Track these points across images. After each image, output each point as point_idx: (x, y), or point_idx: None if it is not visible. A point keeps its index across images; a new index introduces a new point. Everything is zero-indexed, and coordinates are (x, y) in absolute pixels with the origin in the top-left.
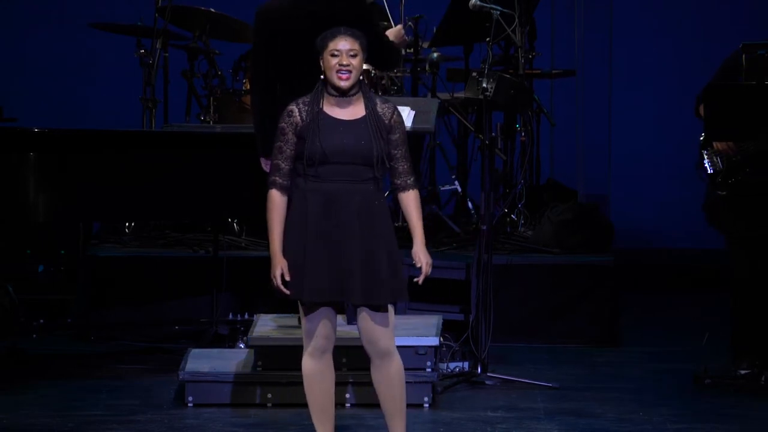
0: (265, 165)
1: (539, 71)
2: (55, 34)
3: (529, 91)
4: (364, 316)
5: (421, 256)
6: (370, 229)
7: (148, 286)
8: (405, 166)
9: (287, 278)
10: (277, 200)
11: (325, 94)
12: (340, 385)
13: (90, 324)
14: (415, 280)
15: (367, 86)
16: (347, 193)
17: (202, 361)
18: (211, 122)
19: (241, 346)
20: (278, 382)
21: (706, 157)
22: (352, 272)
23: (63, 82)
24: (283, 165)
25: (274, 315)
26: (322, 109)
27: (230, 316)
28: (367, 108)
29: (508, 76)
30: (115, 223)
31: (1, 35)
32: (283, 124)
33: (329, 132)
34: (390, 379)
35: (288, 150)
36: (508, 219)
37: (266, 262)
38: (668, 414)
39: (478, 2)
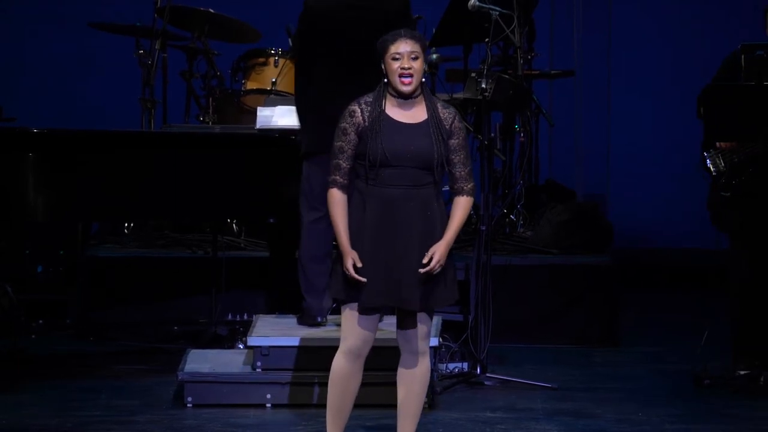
0: (308, 166)
1: (538, 72)
2: (55, 34)
3: (528, 91)
4: (408, 316)
5: (436, 253)
6: (428, 235)
7: (148, 287)
8: (463, 172)
9: (359, 265)
10: (338, 198)
11: (387, 95)
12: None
13: (89, 324)
14: (421, 270)
15: (428, 89)
16: (407, 198)
17: (201, 361)
18: (210, 123)
19: (240, 346)
20: (277, 383)
21: (708, 158)
22: (410, 278)
23: (63, 82)
24: (344, 164)
25: (273, 315)
26: (383, 110)
27: (229, 317)
28: (428, 111)
29: (507, 76)
30: (114, 223)
31: (0, 35)
32: (344, 124)
33: (391, 134)
34: (415, 378)
35: (349, 150)
36: (507, 219)
37: (265, 263)
38: (667, 414)
39: (477, 3)
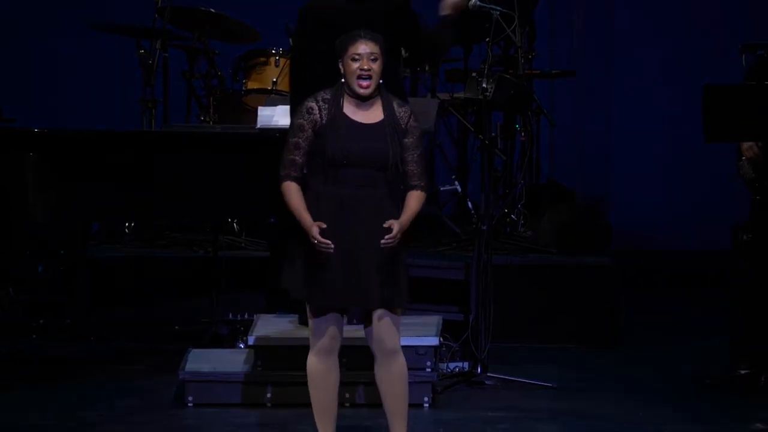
0: None
1: (539, 71)
2: (55, 34)
3: (529, 91)
4: (375, 315)
5: (396, 223)
6: (381, 235)
7: (148, 286)
8: (416, 170)
9: (323, 227)
10: (293, 187)
11: (345, 95)
12: (339, 384)
13: (89, 324)
14: (382, 241)
15: (384, 88)
16: (361, 198)
17: (202, 361)
18: (211, 122)
19: (241, 346)
20: (278, 382)
21: (740, 167)
22: (366, 277)
23: (63, 82)
24: (299, 160)
25: (274, 315)
26: (341, 110)
27: (230, 316)
28: (385, 111)
29: (507, 76)
30: (115, 223)
31: (1, 35)
32: (301, 120)
33: (347, 135)
34: (393, 378)
35: (305, 145)
36: (507, 219)
37: (265, 263)
38: (668, 414)
39: (478, 2)
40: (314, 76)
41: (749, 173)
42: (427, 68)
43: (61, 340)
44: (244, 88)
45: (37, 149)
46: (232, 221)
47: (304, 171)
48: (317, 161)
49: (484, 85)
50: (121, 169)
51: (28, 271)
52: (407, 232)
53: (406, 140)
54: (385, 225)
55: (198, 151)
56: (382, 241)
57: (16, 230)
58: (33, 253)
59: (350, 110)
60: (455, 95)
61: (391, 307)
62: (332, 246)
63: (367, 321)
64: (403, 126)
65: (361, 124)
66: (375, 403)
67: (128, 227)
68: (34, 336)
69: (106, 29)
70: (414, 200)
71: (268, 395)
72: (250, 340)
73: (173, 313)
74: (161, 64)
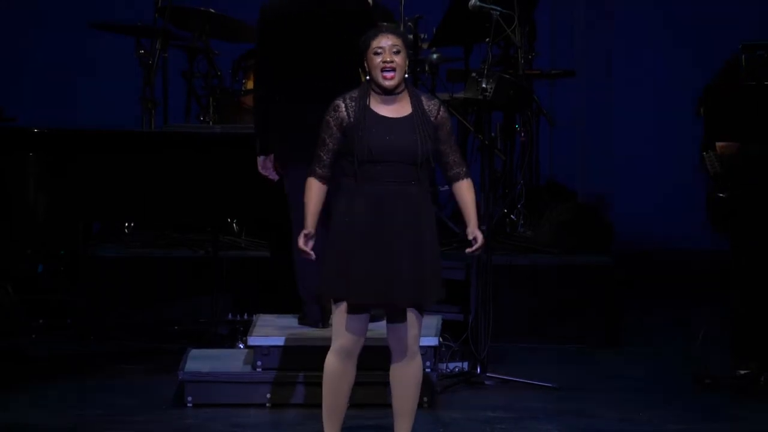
0: (262, 163)
1: (539, 71)
2: (55, 34)
3: (529, 91)
4: (399, 314)
5: (477, 235)
6: (415, 231)
7: (148, 286)
8: (455, 158)
9: (311, 231)
10: (315, 186)
11: (371, 92)
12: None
13: (90, 324)
14: (468, 250)
15: (411, 83)
16: (394, 195)
17: (201, 361)
18: (211, 122)
19: (241, 346)
20: (277, 383)
21: (706, 159)
22: (400, 275)
23: (63, 82)
24: (324, 157)
25: (274, 315)
26: (368, 106)
27: (230, 316)
28: (413, 105)
29: (507, 76)
30: (115, 222)
31: (1, 35)
32: (328, 117)
33: (376, 130)
34: (408, 378)
35: (331, 144)
36: (507, 219)
37: (266, 263)
38: (668, 414)
39: (478, 3)
40: (277, 76)
41: (716, 167)
42: (426, 68)
43: (61, 340)
44: (243, 88)
45: (38, 149)
46: (232, 221)
47: (332, 170)
48: (348, 159)
49: (484, 85)
50: (121, 169)
51: (28, 270)
52: (435, 228)
53: (440, 133)
54: (469, 237)
55: (198, 151)
56: (469, 250)
57: (16, 230)
58: (33, 252)
59: (378, 106)
60: (455, 95)
61: (421, 307)
62: (313, 256)
63: (392, 322)
64: (433, 119)
65: (389, 118)
66: (376, 402)
67: (128, 227)
68: (34, 335)
69: (106, 28)
70: (468, 191)
71: (268, 395)
72: (250, 341)
73: (173, 313)
74: (161, 64)
